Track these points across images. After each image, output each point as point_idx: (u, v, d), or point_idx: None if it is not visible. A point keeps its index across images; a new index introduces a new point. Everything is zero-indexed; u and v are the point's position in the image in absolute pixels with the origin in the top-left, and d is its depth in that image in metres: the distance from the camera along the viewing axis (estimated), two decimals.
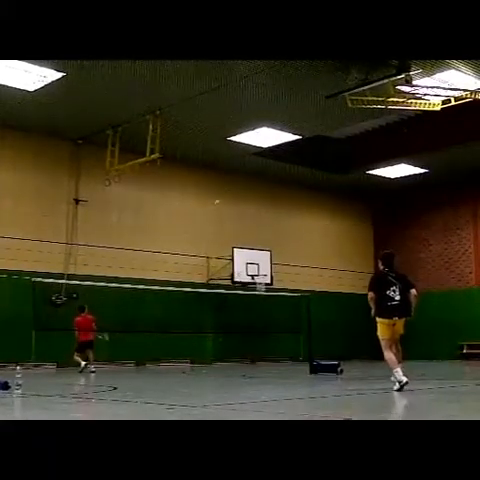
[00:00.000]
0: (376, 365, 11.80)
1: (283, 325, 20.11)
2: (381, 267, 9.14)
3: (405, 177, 22.42)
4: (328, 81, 14.46)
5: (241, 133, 18.18)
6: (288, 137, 18.52)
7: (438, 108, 14.59)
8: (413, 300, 8.80)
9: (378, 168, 21.68)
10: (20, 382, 7.85)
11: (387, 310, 8.73)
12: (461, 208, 23.66)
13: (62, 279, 17.38)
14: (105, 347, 16.03)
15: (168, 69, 13.96)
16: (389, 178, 22.65)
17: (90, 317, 15.45)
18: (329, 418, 5.52)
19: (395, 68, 13.31)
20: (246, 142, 18.84)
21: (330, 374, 12.70)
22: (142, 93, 15.27)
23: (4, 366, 14.45)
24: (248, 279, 20.22)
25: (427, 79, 14.04)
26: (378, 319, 8.84)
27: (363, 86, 13.87)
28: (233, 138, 18.54)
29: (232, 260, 20.06)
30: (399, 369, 8.40)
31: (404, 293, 8.76)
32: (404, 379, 8.26)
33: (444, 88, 14.17)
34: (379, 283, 8.93)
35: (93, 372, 14.53)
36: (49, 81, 14.32)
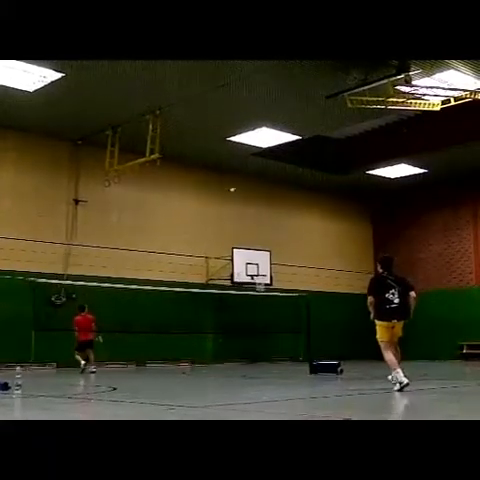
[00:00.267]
0: (376, 365, 11.79)
1: (283, 325, 20.10)
2: (380, 270, 9.17)
3: (405, 177, 22.42)
4: (328, 81, 14.46)
5: (241, 133, 18.18)
6: (288, 137, 18.52)
7: (438, 108, 14.59)
8: (412, 302, 8.83)
9: (378, 168, 21.68)
10: (20, 382, 7.84)
11: (386, 313, 8.76)
12: (461, 208, 23.66)
13: (62, 280, 17.39)
14: (104, 348, 15.99)
15: (168, 69, 13.95)
16: (389, 178, 22.65)
17: (90, 317, 15.46)
18: (331, 418, 5.52)
19: (395, 68, 13.31)
20: (246, 142, 18.83)
21: (330, 374, 12.70)
22: (142, 93, 15.27)
23: (4, 366, 14.43)
24: (248, 279, 20.21)
25: (427, 79, 14.04)
26: (377, 322, 8.87)
27: (363, 86, 13.88)
28: (233, 138, 18.54)
29: (232, 260, 20.05)
30: (400, 370, 8.40)
31: (403, 296, 8.80)
32: (405, 380, 8.26)
33: (444, 88, 14.17)
34: (378, 286, 8.95)
35: (93, 372, 14.53)
36: (49, 81, 14.32)
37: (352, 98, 14.21)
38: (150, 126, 16.06)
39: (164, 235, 20.18)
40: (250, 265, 20.28)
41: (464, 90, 14.28)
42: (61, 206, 18.51)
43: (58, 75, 14.03)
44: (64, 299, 17.75)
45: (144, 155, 16.26)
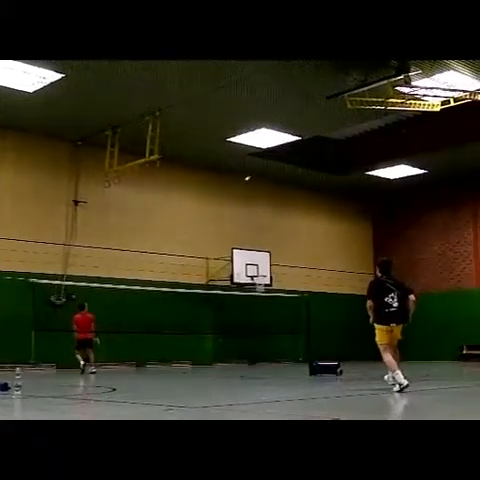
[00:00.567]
0: (375, 366, 11.79)
1: (283, 326, 20.10)
2: (379, 274, 9.18)
3: (405, 178, 22.42)
4: (328, 82, 14.47)
5: (241, 134, 18.18)
6: (288, 138, 18.52)
7: (437, 109, 14.60)
8: (411, 306, 8.85)
9: (377, 169, 21.69)
10: (20, 383, 7.84)
11: (385, 316, 8.78)
12: (461, 208, 23.66)
13: (61, 280, 17.39)
14: (104, 348, 15.99)
15: (168, 70, 13.95)
16: (388, 179, 22.65)
17: (89, 316, 15.46)
18: (331, 418, 5.52)
19: (394, 69, 13.32)
20: (246, 143, 18.83)
21: (330, 375, 12.70)
22: (142, 94, 15.27)
23: (4, 367, 14.42)
24: (248, 280, 20.21)
25: (426, 80, 14.05)
26: (376, 325, 8.90)
27: (363, 87, 13.88)
28: (233, 139, 18.55)
29: (231, 261, 20.05)
30: (399, 372, 8.42)
31: (402, 300, 8.82)
32: (405, 382, 8.27)
33: (443, 89, 14.18)
34: (377, 290, 8.96)
35: (93, 373, 14.53)
36: (48, 82, 14.32)
37: (352, 99, 14.22)
38: (150, 127, 16.06)
39: (164, 236, 20.18)
40: (250, 266, 20.29)
41: (464, 91, 14.29)
42: (61, 207, 18.50)
43: (58, 76, 14.03)
44: (64, 299, 17.75)
45: (144, 156, 16.26)
